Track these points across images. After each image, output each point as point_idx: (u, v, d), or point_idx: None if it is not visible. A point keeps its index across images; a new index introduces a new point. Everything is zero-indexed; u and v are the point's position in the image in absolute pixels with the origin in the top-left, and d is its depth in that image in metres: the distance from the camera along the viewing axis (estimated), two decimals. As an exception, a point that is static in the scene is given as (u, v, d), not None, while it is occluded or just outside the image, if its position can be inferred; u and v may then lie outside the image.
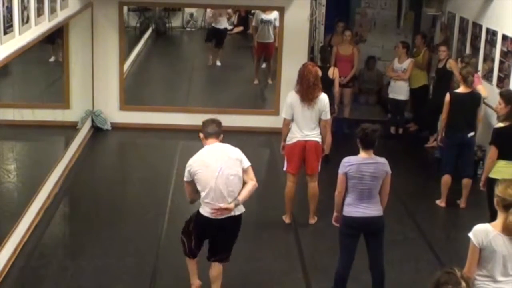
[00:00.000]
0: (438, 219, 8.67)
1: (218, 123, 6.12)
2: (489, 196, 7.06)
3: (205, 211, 5.97)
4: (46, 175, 8.52)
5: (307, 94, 7.65)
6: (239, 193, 5.96)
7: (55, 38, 10.92)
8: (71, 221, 8.42)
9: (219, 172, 5.87)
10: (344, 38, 11.46)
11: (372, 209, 6.02)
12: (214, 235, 6.10)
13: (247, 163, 6.02)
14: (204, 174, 5.89)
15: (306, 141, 7.77)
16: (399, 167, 9.32)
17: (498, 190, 4.78)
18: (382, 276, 6.21)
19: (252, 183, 6.03)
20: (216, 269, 6.18)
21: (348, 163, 6.00)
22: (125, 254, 7.16)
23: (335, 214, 6.30)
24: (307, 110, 7.69)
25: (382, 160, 6.06)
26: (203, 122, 6.18)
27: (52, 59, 12.97)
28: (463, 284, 3.84)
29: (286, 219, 8.08)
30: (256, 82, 14.13)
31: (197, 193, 6.04)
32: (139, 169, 9.99)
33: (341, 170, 6.03)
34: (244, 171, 6.00)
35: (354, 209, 6.02)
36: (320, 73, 9.05)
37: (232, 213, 5.97)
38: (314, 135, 7.80)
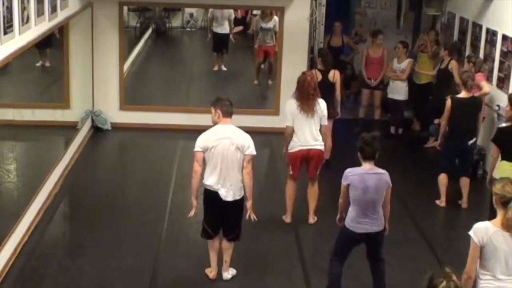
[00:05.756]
0: (438, 219, 8.67)
1: (231, 103, 6.53)
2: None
3: (215, 187, 6.42)
4: (46, 175, 8.52)
5: (307, 105, 7.67)
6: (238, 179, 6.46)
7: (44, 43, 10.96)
8: (71, 221, 8.42)
9: (223, 154, 6.34)
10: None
11: (374, 224, 6.01)
12: (221, 212, 6.51)
13: (250, 152, 6.42)
14: (213, 152, 6.35)
15: (308, 150, 7.79)
16: (399, 167, 9.36)
17: (496, 188, 4.87)
18: (382, 278, 6.24)
19: (247, 178, 6.45)
20: (227, 242, 6.68)
21: (351, 174, 5.95)
22: (125, 254, 7.16)
23: (338, 215, 6.29)
24: (308, 117, 7.70)
25: (384, 171, 6.01)
26: (219, 99, 6.53)
27: (39, 63, 13.13)
28: (454, 277, 4.08)
29: (287, 218, 8.08)
30: (256, 82, 14.11)
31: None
32: (139, 169, 9.99)
33: (344, 181, 5.98)
34: (246, 158, 6.41)
35: (357, 225, 6.00)
36: (320, 77, 9.06)
37: (234, 198, 6.45)
38: (317, 144, 7.81)
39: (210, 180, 6.42)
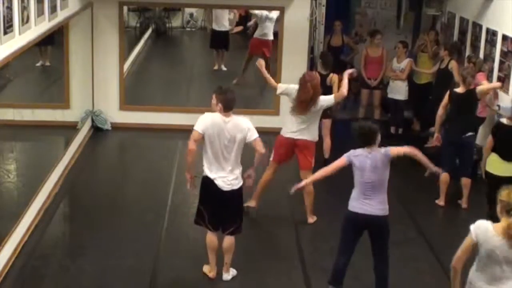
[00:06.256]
0: (438, 219, 8.68)
1: (234, 97, 6.47)
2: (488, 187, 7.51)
3: (213, 176, 6.38)
4: (46, 175, 8.52)
5: (302, 107, 7.77)
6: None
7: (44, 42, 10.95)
8: (71, 221, 8.42)
9: (221, 147, 6.34)
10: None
11: (375, 207, 6.06)
12: (219, 202, 6.42)
13: (253, 137, 6.42)
14: (211, 144, 6.32)
15: (295, 140, 7.88)
16: (399, 167, 9.29)
17: (502, 196, 4.72)
18: (385, 280, 6.24)
19: (257, 155, 6.49)
20: (227, 241, 6.60)
21: (353, 155, 6.10)
22: (125, 254, 7.16)
23: (308, 180, 6.58)
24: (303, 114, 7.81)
25: (381, 150, 6.12)
26: (223, 91, 6.43)
27: (39, 63, 13.17)
28: None
29: (251, 203, 8.12)
30: (234, 82, 13.91)
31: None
32: (139, 169, 9.99)
33: (347, 155, 6.12)
34: (253, 144, 6.44)
35: (357, 205, 6.09)
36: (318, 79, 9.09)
37: (232, 187, 6.40)
38: (304, 134, 7.85)
39: (208, 171, 6.41)
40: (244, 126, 6.41)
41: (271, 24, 13.74)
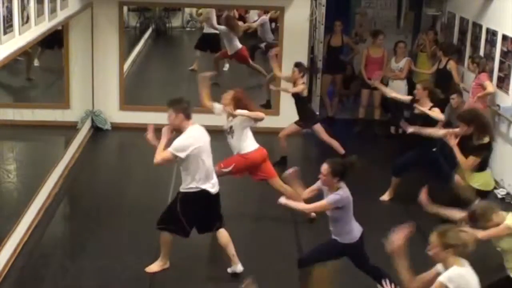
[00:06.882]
0: (438, 219, 8.65)
1: (189, 104, 6.62)
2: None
3: (207, 187, 6.42)
4: (46, 175, 8.53)
5: None
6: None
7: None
8: (71, 221, 8.42)
9: (208, 152, 6.50)
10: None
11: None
12: (210, 209, 6.53)
13: None
14: (204, 152, 6.40)
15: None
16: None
17: (451, 238, 4.88)
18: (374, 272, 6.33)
19: None
20: (223, 234, 6.63)
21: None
22: (125, 254, 7.17)
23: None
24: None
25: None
26: (177, 101, 6.61)
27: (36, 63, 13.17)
28: None
29: None
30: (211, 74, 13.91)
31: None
32: (139, 169, 9.99)
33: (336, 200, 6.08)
34: None
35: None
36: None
37: (218, 187, 6.58)
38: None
39: (203, 184, 6.43)
40: None
41: (228, 41, 13.56)
